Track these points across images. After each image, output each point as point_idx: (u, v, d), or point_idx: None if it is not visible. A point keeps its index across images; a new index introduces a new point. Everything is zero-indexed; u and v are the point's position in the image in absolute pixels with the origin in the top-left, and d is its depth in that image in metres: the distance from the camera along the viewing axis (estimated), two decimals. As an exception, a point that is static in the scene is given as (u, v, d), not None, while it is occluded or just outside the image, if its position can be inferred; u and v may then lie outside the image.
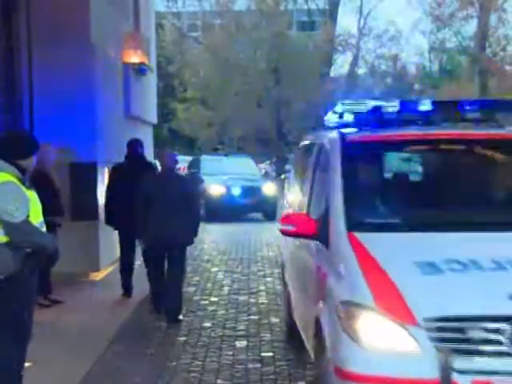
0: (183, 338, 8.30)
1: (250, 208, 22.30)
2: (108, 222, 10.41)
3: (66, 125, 11.40)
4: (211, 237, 17.39)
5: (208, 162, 24.40)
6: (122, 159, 10.55)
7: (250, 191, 22.01)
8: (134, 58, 15.17)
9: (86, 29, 11.78)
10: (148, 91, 18.01)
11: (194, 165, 25.10)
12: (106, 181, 10.88)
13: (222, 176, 22.34)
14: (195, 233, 9.26)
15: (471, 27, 38.88)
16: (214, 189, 22.00)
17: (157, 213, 8.81)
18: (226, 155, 25.41)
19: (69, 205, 11.42)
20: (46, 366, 6.81)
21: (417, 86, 46.10)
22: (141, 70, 15.86)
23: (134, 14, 16.59)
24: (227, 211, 21.59)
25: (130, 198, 9.21)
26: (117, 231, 10.53)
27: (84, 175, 11.67)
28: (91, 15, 11.91)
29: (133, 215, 9.09)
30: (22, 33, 11.44)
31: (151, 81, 18.59)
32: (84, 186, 11.66)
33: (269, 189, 22.36)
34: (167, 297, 9.10)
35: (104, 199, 10.50)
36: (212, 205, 21.55)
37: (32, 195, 5.31)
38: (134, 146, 10.42)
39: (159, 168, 9.55)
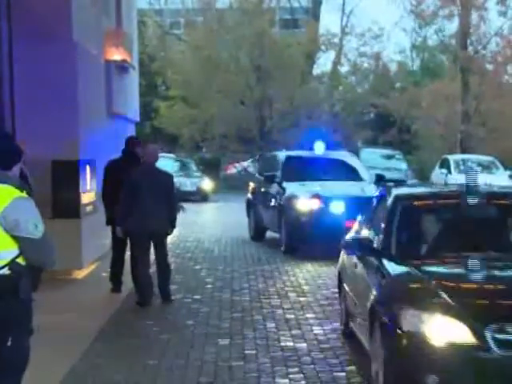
0: (166, 336, 8.29)
1: None
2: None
3: (48, 122, 11.36)
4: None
5: (290, 160, 16.41)
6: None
7: (360, 207, 13.57)
8: (116, 55, 15.12)
9: (67, 26, 11.72)
10: (130, 89, 17.96)
11: (266, 165, 17.63)
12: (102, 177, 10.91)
13: (314, 183, 15.06)
14: (173, 224, 10.01)
15: (453, 25, 39.05)
16: (302, 203, 14.32)
17: (140, 204, 9.52)
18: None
19: (50, 202, 11.40)
20: (29, 364, 6.77)
21: (398, 84, 46.22)
22: (123, 67, 15.81)
23: (116, 12, 16.53)
24: (321, 238, 13.57)
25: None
26: (104, 227, 10.66)
27: (66, 173, 11.63)
28: (73, 12, 11.85)
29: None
30: (3, 30, 11.37)
31: (133, 78, 18.54)
32: (66, 183, 11.62)
33: None
34: (160, 278, 9.98)
35: (101, 195, 10.73)
36: (297, 228, 14.22)
37: None
38: (129, 143, 10.65)
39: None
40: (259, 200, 16.80)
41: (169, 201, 9.82)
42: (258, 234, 16.69)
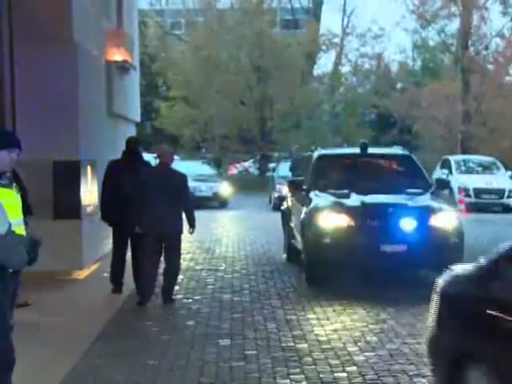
0: (167, 336, 8.29)
1: (413, 261, 10.57)
2: (103, 217, 10.49)
3: (49, 122, 11.37)
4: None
5: (322, 161, 12.61)
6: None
7: (408, 224, 10.55)
8: (117, 55, 15.13)
9: (68, 27, 11.72)
10: (131, 89, 17.96)
11: (297, 167, 14.66)
12: (103, 177, 10.89)
13: (350, 192, 11.35)
14: (192, 223, 9.99)
15: (454, 25, 39.09)
16: (325, 219, 10.78)
17: (152, 204, 9.56)
18: (362, 148, 12.44)
19: (51, 203, 11.41)
20: (29, 364, 6.77)
21: (399, 85, 46.25)
22: (124, 67, 15.82)
23: (117, 12, 16.54)
24: (350, 266, 10.95)
25: (124, 194, 9.77)
26: (105, 227, 10.66)
27: (67, 173, 11.63)
28: (73, 13, 11.85)
29: (127, 210, 9.71)
30: (4, 31, 11.38)
31: (134, 79, 18.54)
32: (67, 184, 11.61)
33: (450, 218, 10.88)
34: (165, 280, 9.97)
35: (100, 195, 10.71)
36: (318, 253, 10.82)
37: (10, 193, 5.27)
38: (132, 143, 10.64)
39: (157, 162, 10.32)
40: (291, 212, 13.36)
41: (183, 201, 9.82)
42: (291, 253, 13.16)
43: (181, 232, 9.89)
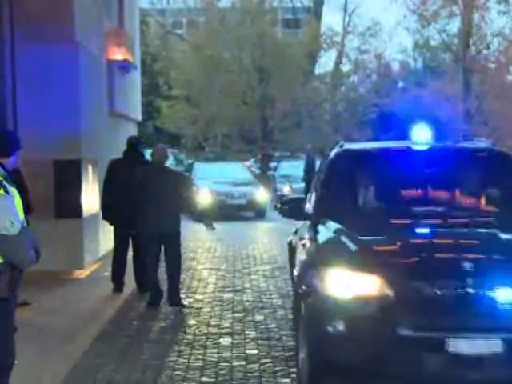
0: (168, 336, 8.30)
1: None
2: (104, 216, 10.49)
3: (51, 122, 11.38)
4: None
5: (357, 163, 7.38)
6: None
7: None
8: (118, 55, 15.15)
9: (70, 26, 11.73)
10: (132, 88, 17.98)
11: (310, 170, 14.19)
12: (104, 176, 10.89)
13: (400, 224, 6.30)
14: (201, 218, 10.19)
15: (455, 25, 39.07)
16: (346, 285, 5.45)
17: (148, 203, 9.46)
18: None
19: (52, 202, 11.42)
20: (30, 364, 6.78)
21: (401, 84, 46.20)
22: (125, 66, 15.83)
23: (118, 11, 16.55)
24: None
25: (126, 193, 9.73)
26: (106, 226, 10.68)
27: (68, 172, 11.63)
28: (75, 12, 11.86)
29: (129, 209, 9.68)
30: (5, 30, 11.39)
31: (136, 78, 18.56)
32: (68, 183, 11.62)
33: None
34: (168, 280, 9.74)
35: (101, 194, 10.69)
36: (325, 350, 5.58)
37: (14, 193, 5.26)
38: (132, 142, 10.64)
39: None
40: (295, 252, 8.16)
41: (184, 199, 9.70)
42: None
43: (178, 232, 9.76)
